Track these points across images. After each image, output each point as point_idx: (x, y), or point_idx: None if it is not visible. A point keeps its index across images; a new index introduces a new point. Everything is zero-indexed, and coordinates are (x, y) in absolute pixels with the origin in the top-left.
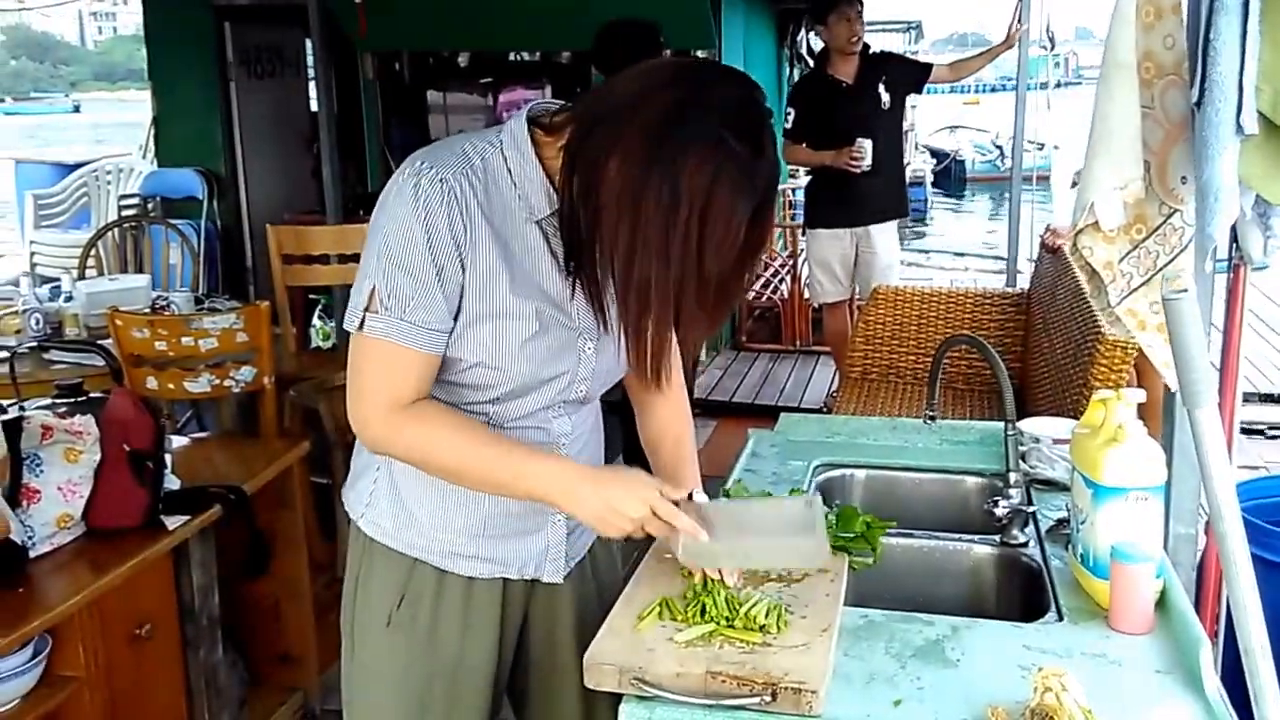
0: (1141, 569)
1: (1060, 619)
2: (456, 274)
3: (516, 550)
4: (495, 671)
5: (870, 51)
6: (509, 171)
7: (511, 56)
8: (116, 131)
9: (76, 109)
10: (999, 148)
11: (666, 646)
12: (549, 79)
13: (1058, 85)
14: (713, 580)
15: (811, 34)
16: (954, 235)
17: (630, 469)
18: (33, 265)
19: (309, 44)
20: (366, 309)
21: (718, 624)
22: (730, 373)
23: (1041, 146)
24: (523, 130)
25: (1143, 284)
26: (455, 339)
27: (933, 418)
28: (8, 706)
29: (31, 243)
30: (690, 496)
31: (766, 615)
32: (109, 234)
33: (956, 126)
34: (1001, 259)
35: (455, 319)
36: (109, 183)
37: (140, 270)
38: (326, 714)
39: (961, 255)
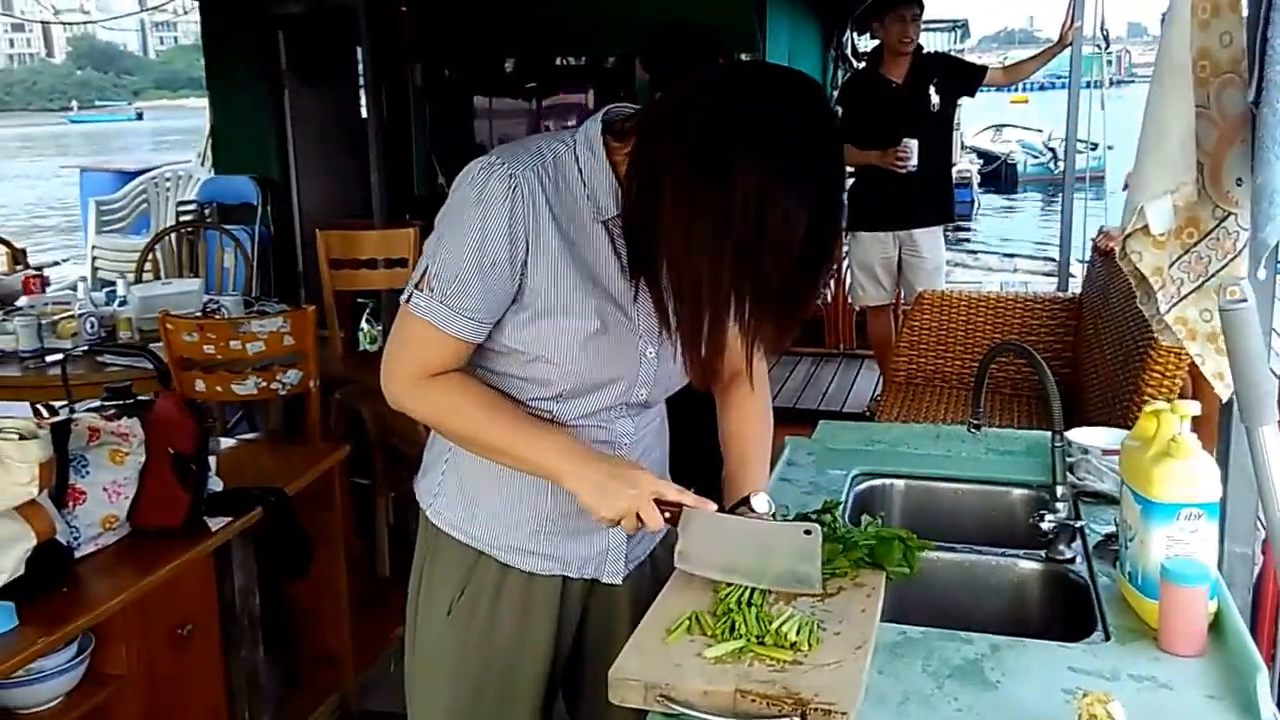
0: (1194, 590)
1: (1107, 639)
2: (513, 266)
3: (577, 549)
4: (550, 666)
5: (923, 52)
6: (580, 171)
7: (557, 62)
8: (177, 138)
9: (139, 116)
10: (1051, 149)
11: (695, 663)
12: (593, 84)
13: (1111, 84)
14: (743, 594)
15: (858, 35)
16: (1003, 237)
17: (642, 468)
18: (94, 269)
19: (360, 52)
20: (417, 285)
21: (747, 641)
22: (772, 377)
23: (1095, 147)
24: (597, 132)
25: (1193, 290)
26: (517, 331)
27: (977, 427)
28: (51, 704)
29: (94, 247)
30: (748, 499)
31: (798, 632)
32: (165, 239)
33: (1002, 125)
34: (1050, 260)
35: (517, 311)
36: (168, 189)
37: (195, 274)
38: (364, 715)
39: (1010, 256)
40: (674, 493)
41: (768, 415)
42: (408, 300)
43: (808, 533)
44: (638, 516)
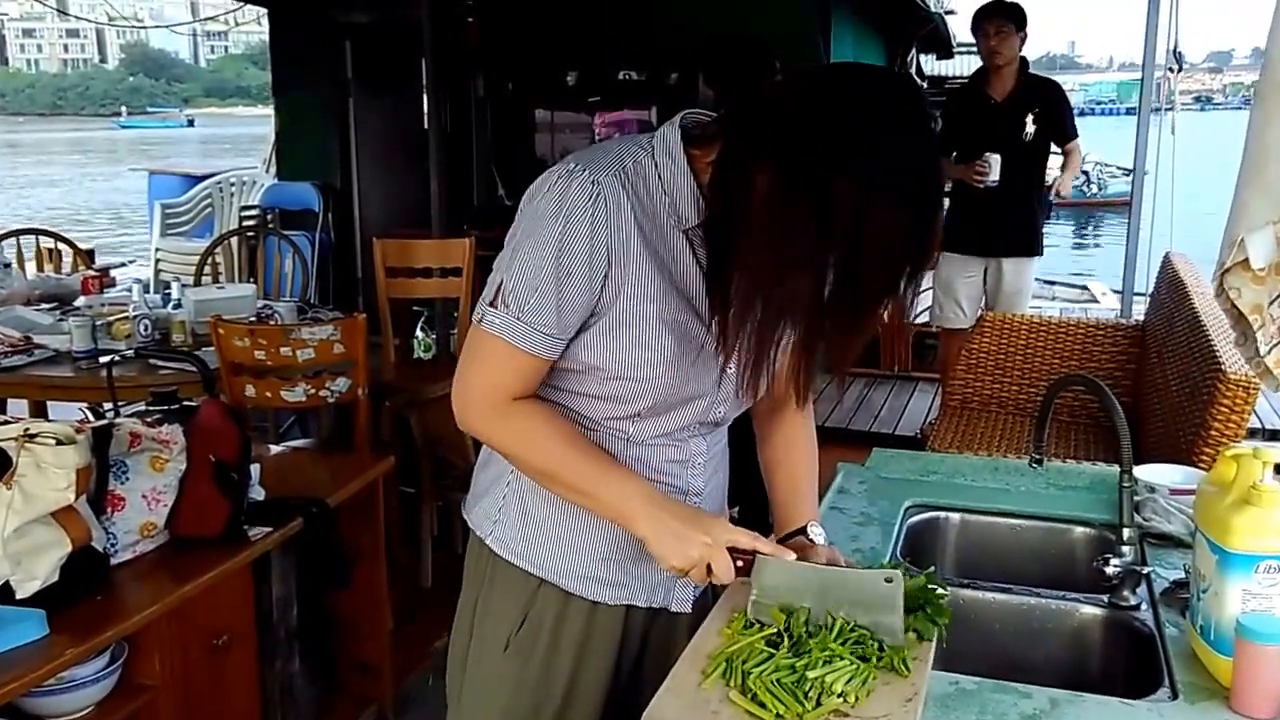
0: (1272, 649)
1: (1174, 697)
2: (593, 279)
3: (648, 575)
4: (606, 699)
5: (1031, 73)
6: (660, 178)
7: (619, 77)
8: (225, 146)
9: (190, 124)
10: (1085, 173)
11: (732, 710)
12: (656, 100)
13: (1156, 110)
14: (777, 661)
15: (921, 56)
16: (1042, 262)
17: (716, 516)
18: (157, 271)
19: (424, 62)
20: (491, 303)
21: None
22: (824, 397)
23: (1129, 172)
24: (676, 138)
25: None
26: (596, 346)
27: (1039, 461)
28: (82, 713)
29: (157, 250)
30: (804, 530)
31: (848, 681)
32: (226, 243)
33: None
34: (1084, 289)
35: (596, 323)
36: (233, 194)
37: (254, 279)
38: None
39: (1051, 284)
40: (748, 540)
41: (814, 441)
42: (480, 320)
43: (888, 580)
44: (708, 567)
